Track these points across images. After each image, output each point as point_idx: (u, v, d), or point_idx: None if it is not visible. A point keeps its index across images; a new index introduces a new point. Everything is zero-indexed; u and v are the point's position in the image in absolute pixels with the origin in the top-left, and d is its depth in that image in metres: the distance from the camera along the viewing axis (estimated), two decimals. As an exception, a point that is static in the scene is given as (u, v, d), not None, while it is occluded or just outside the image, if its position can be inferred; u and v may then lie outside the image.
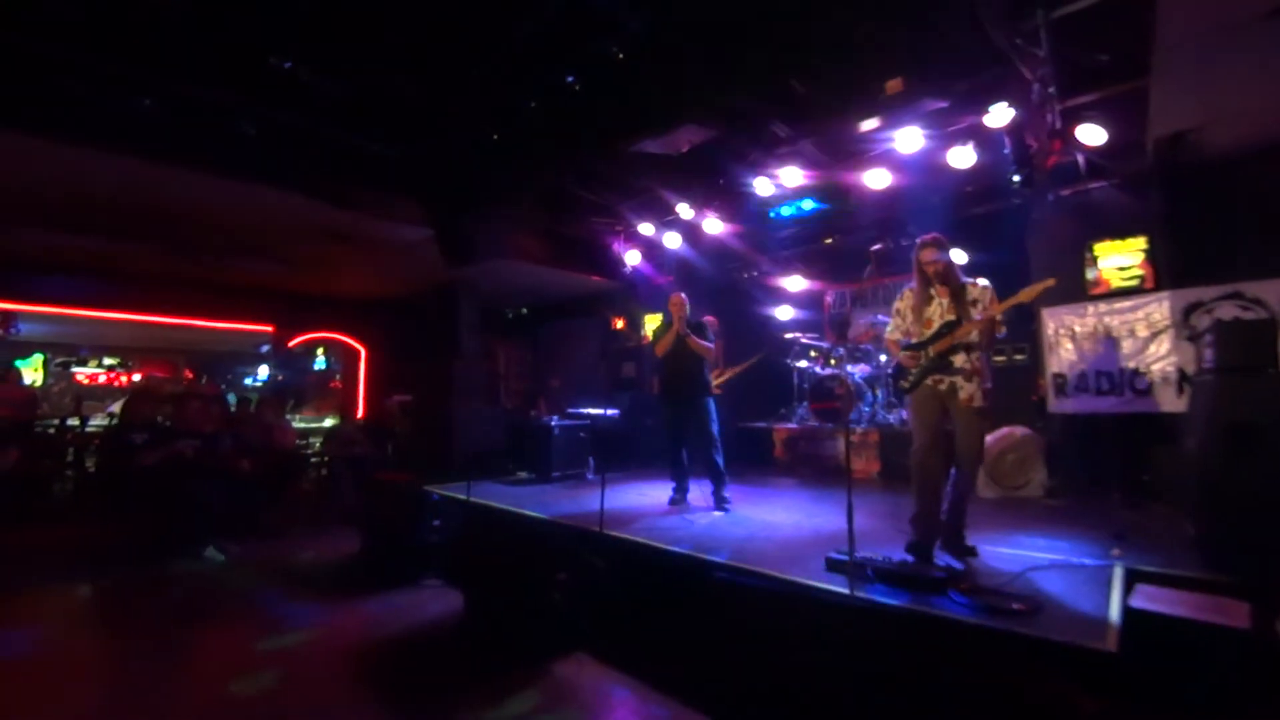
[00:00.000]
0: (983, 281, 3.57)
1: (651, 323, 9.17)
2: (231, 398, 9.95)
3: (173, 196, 5.88)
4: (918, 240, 3.62)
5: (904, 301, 3.74)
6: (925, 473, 3.45)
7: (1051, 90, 4.42)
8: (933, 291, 3.58)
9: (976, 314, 3.44)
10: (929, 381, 3.52)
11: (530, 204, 7.33)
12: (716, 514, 4.73)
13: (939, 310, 3.55)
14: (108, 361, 11.54)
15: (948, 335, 3.46)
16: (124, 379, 11.58)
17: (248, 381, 11.75)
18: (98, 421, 8.48)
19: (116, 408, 8.98)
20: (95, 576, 4.94)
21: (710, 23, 4.54)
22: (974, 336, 3.43)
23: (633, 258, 8.10)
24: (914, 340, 3.64)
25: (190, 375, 11.85)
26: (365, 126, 5.91)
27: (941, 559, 3.34)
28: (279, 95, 5.23)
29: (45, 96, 4.61)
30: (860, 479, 6.41)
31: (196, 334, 10.15)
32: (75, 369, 11.17)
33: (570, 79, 5.19)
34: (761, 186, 6.24)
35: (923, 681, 2.51)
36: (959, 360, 3.44)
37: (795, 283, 8.25)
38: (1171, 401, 4.97)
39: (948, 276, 3.54)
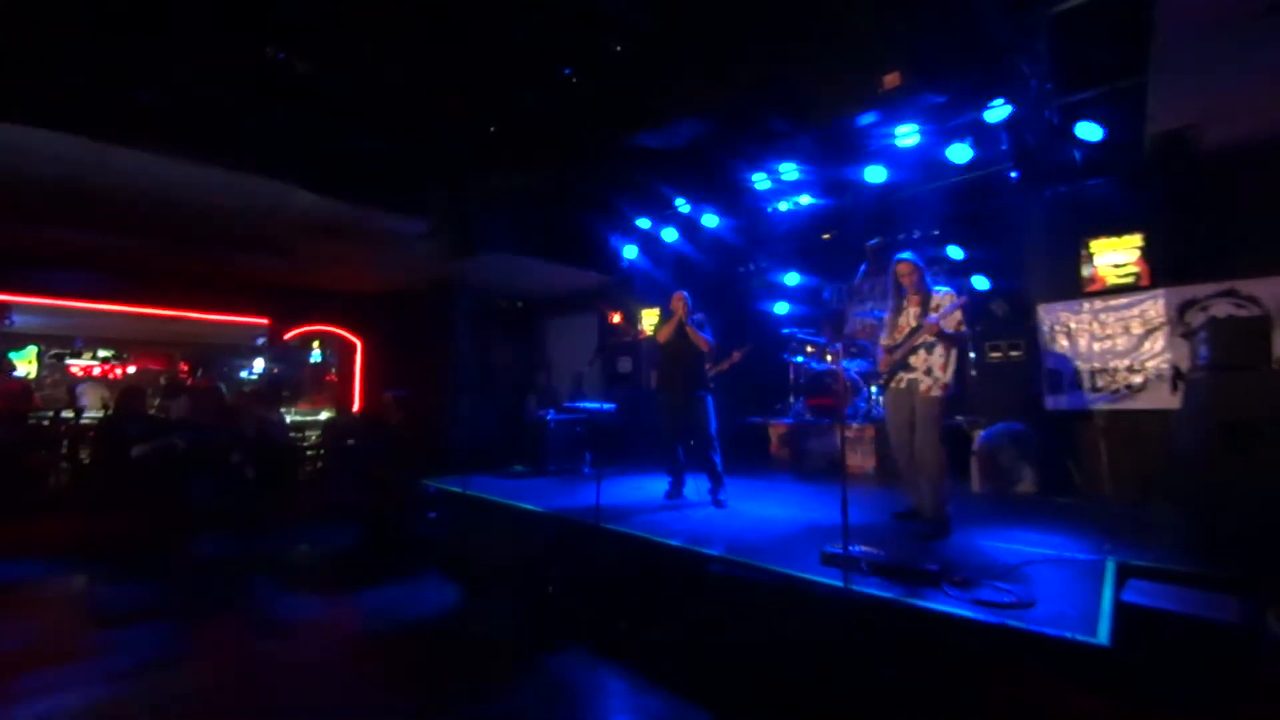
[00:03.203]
0: (944, 289, 4.05)
1: (649, 317, 9.17)
2: (225, 389, 9.90)
3: (170, 189, 5.82)
4: (896, 256, 4.12)
5: (890, 313, 4.27)
6: (900, 464, 4.16)
7: (1049, 86, 4.42)
8: (905, 302, 4.10)
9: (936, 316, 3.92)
10: (893, 383, 4.07)
11: (528, 198, 7.30)
12: (712, 508, 4.75)
13: (907, 320, 4.07)
14: (102, 354, 11.48)
15: (910, 340, 4.00)
16: (119, 371, 11.52)
17: (243, 375, 11.68)
18: (92, 413, 8.44)
19: (93, 396, 8.96)
20: (89, 569, 4.92)
21: (708, 16, 4.52)
22: (929, 338, 3.90)
23: (630, 252, 8.08)
24: (891, 346, 4.17)
25: (185, 368, 11.80)
26: (364, 120, 5.87)
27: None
28: (278, 88, 5.19)
29: (42, 87, 4.56)
30: (856, 474, 6.43)
31: (192, 327, 10.09)
32: (69, 361, 11.10)
33: (568, 72, 5.17)
34: (759, 181, 6.23)
35: (916, 673, 2.52)
36: (915, 359, 3.96)
37: (792, 278, 8.25)
38: (1165, 398, 4.99)
39: (919, 287, 4.04)
